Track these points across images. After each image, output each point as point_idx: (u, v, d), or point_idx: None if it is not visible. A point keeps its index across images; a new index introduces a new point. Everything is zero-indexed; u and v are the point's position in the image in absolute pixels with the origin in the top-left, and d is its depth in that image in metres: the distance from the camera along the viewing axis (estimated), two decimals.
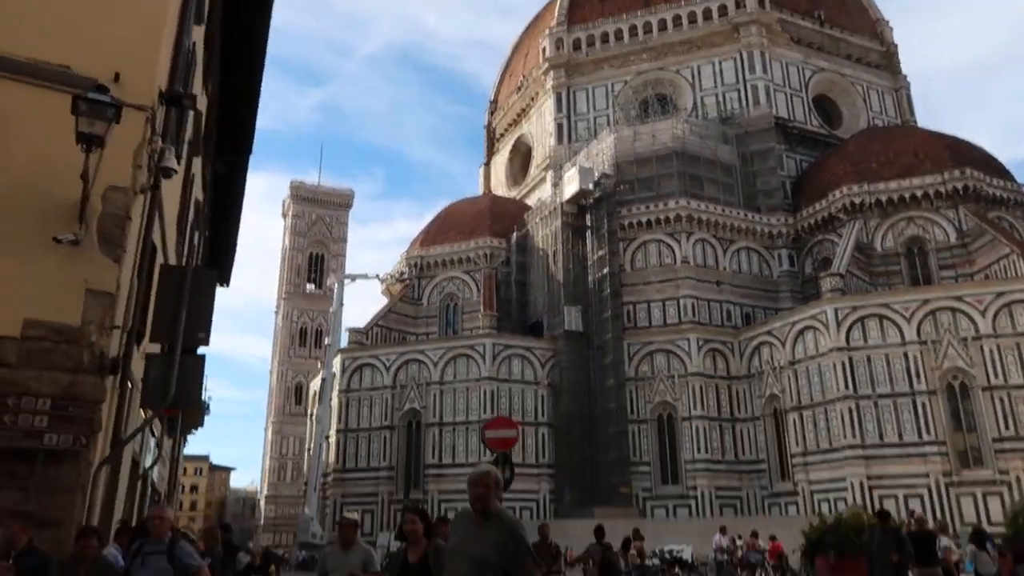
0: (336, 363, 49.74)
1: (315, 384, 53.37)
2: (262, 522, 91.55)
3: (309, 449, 53.46)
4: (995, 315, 34.82)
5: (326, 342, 50.44)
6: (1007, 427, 33.13)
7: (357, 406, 47.81)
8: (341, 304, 52.95)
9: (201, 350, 9.34)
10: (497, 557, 4.31)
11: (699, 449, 41.94)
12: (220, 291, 17.10)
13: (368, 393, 47.79)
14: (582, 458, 44.11)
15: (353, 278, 56.41)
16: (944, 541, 11.13)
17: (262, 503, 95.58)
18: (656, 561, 16.73)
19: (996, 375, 34.11)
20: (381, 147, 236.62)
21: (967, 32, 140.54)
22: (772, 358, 41.75)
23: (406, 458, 45.84)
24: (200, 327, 8.32)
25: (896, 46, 63.32)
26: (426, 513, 5.95)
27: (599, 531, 12.03)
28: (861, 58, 61.11)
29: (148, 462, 12.56)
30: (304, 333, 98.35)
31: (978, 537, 10.58)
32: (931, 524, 11.35)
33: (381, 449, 46.16)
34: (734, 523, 28.01)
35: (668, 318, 46.07)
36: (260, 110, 13.81)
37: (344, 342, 51.24)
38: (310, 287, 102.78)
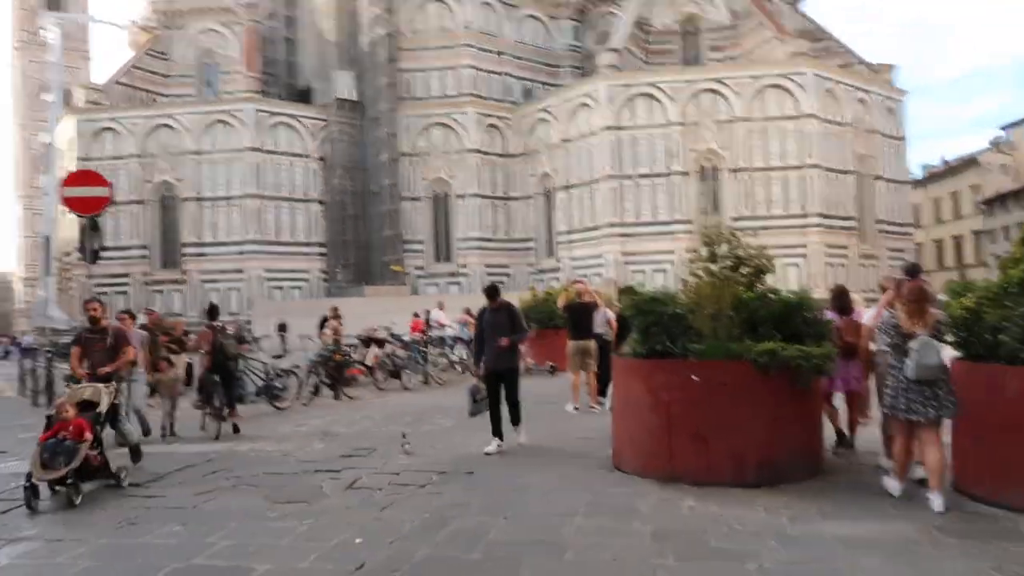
0: (70, 126, 43.16)
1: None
2: (23, 307, 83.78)
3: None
4: (751, 99, 36.25)
5: (47, 98, 43.00)
6: (746, 207, 35.90)
7: None
8: (60, 52, 44.66)
9: None
10: None
11: (472, 227, 42.14)
12: None
13: (112, 163, 41.92)
14: (355, 236, 42.96)
15: (64, 26, 47.22)
16: (606, 313, 11.30)
17: (18, 287, 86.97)
18: (355, 342, 16.31)
19: (742, 159, 36.24)
20: None
21: None
22: (548, 135, 41.54)
23: (161, 236, 42.14)
24: None
25: None
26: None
27: (212, 311, 10.89)
28: None
29: None
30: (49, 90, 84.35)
31: None
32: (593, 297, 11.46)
33: (132, 226, 41.89)
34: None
35: (447, 89, 43.81)
36: None
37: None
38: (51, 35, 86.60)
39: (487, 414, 8.22)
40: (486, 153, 42.67)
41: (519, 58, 45.51)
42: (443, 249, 43.04)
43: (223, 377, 10.03)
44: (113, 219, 41.84)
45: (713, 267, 6.74)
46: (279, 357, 15.36)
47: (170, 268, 41.87)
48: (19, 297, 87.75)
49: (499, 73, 44.63)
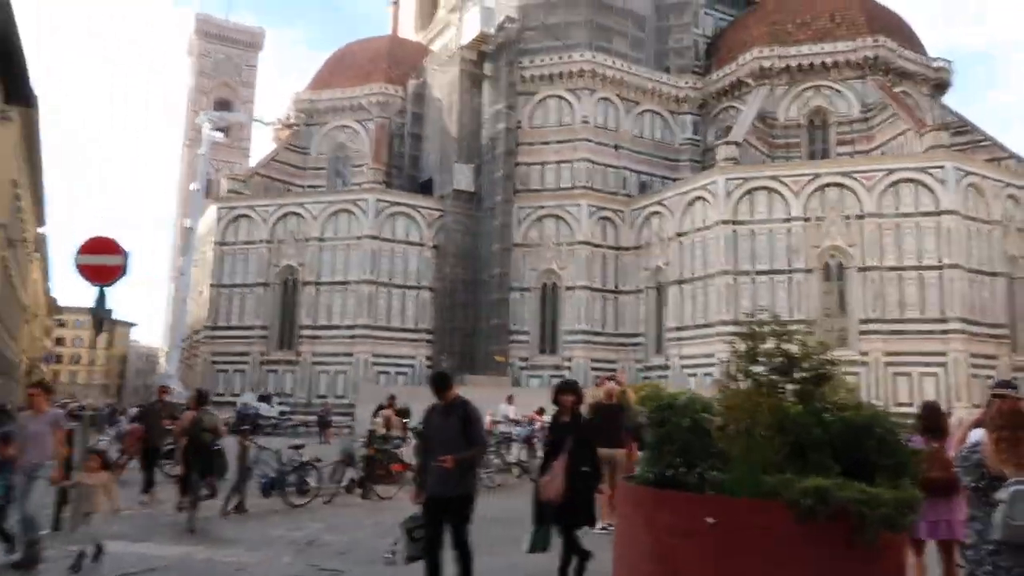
0: (211, 213, 46.43)
1: None
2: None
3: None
4: (881, 193, 33.63)
5: (192, 187, 46.55)
6: (875, 309, 32.74)
7: (232, 261, 44.89)
8: (209, 146, 48.72)
9: None
10: None
11: (580, 320, 40.98)
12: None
13: (244, 247, 44.80)
14: (463, 325, 42.84)
15: (218, 124, 51.72)
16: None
17: (162, 360, 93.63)
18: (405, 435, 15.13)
19: (872, 256, 33.35)
20: None
21: None
22: (662, 229, 40.29)
23: (280, 317, 43.72)
24: None
25: None
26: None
27: (201, 397, 10.17)
28: None
29: None
30: (209, 183, 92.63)
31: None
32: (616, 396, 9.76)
33: (255, 307, 43.82)
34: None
35: (562, 181, 43.76)
36: None
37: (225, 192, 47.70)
38: (216, 134, 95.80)
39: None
40: (597, 245, 41.84)
41: (636, 152, 44.99)
42: (549, 341, 41.99)
43: (201, 456, 9.31)
44: (240, 300, 44.23)
45: (754, 368, 5.19)
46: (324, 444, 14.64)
47: (286, 349, 43.17)
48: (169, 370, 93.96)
49: (615, 166, 44.19)
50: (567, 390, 6.86)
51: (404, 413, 16.01)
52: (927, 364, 30.00)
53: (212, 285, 44.57)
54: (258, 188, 48.87)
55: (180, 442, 9.85)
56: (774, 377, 5.14)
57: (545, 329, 42.15)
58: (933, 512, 5.54)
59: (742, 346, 5.48)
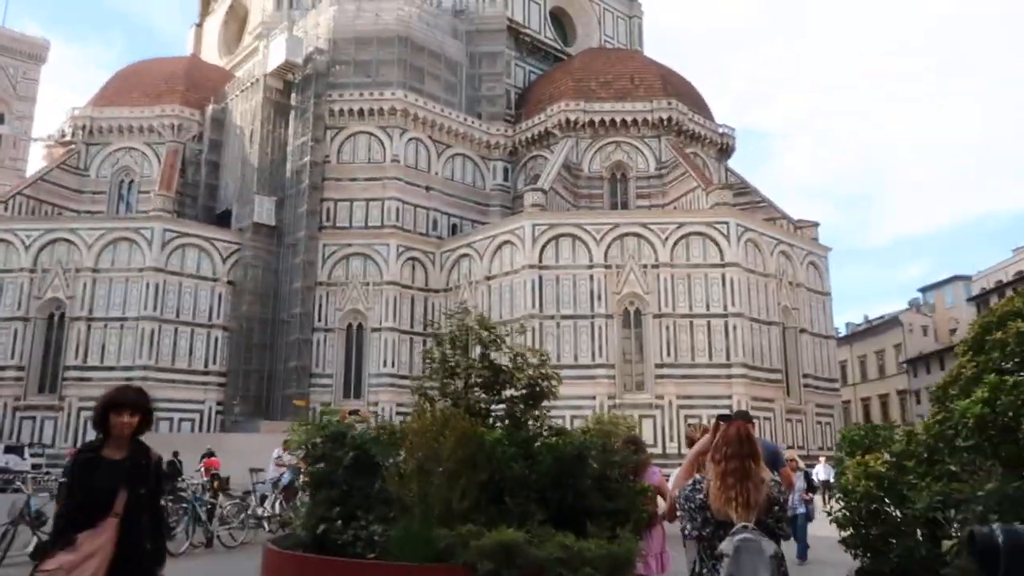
0: None
1: None
2: None
3: None
4: (674, 245, 35.70)
5: None
6: (669, 353, 34.40)
7: None
8: None
9: None
10: None
11: (385, 363, 39.62)
12: None
13: (0, 275, 39.15)
14: (259, 367, 39.95)
15: None
16: None
17: None
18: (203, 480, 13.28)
19: (666, 303, 35.16)
20: (124, 10, 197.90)
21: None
22: (471, 272, 40.17)
23: (43, 357, 38.42)
24: None
25: None
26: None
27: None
28: None
29: None
30: None
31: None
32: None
33: (10, 344, 38.19)
34: None
35: (371, 220, 42.52)
36: None
37: None
38: None
39: None
40: (406, 286, 40.90)
41: (447, 194, 44.87)
42: (354, 384, 40.16)
43: None
44: None
45: (453, 384, 4.14)
46: None
47: (48, 393, 37.91)
48: None
49: (425, 207, 43.74)
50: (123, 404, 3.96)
51: (172, 465, 13.94)
52: (715, 407, 31.69)
53: None
54: (24, 211, 43.17)
55: None
56: (477, 394, 4.22)
57: (350, 372, 40.29)
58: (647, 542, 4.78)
59: (436, 354, 4.54)
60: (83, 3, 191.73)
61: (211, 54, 59.79)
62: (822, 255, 41.06)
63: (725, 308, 34.61)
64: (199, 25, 63.90)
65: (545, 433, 3.96)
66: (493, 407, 4.12)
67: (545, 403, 5.00)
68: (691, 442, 5.70)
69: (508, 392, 4.12)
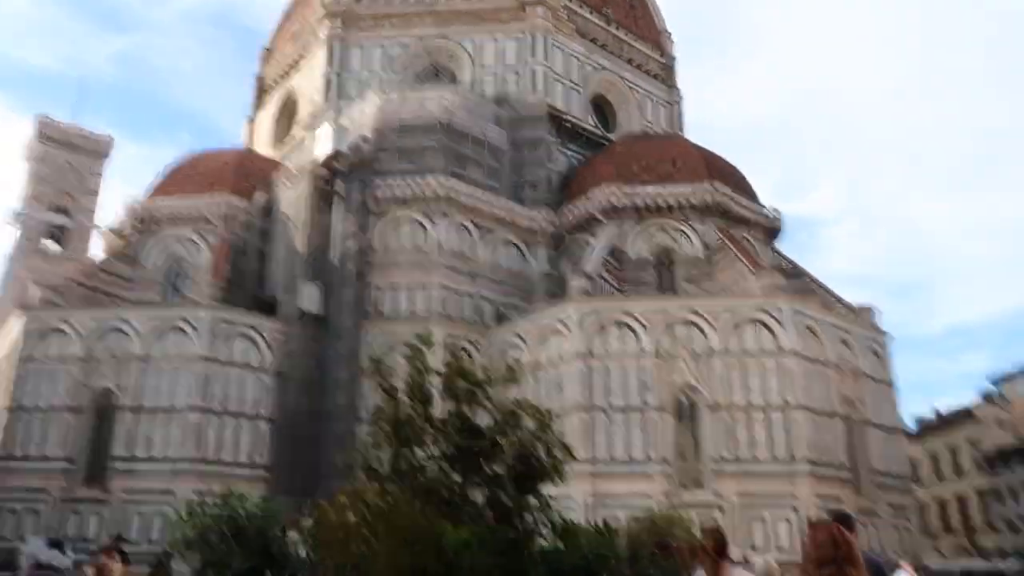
0: (16, 325, 41.01)
1: None
2: None
3: None
4: (725, 332, 34.76)
5: None
6: (727, 448, 33.07)
7: (37, 379, 39.32)
8: (22, 251, 43.62)
9: None
10: None
11: None
12: None
13: (54, 364, 39.53)
14: (304, 460, 39.35)
15: (31, 223, 46.76)
16: None
17: None
18: None
19: (721, 394, 34.01)
20: (190, 109, 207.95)
21: (757, 89, 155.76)
22: (517, 360, 39.49)
23: (90, 447, 38.39)
24: None
25: (675, 59, 64.40)
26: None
27: None
28: (642, 65, 61.32)
29: None
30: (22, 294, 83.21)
31: None
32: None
33: (61, 435, 38.28)
34: None
35: (416, 308, 42.38)
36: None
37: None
38: (50, 244, 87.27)
39: None
40: None
41: (493, 280, 44.69)
42: None
43: None
44: (41, 425, 38.62)
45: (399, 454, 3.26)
46: None
47: (94, 485, 37.71)
48: None
49: (471, 294, 43.55)
50: None
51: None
52: (779, 506, 30.25)
53: (9, 408, 38.72)
54: (79, 300, 44.00)
55: None
56: (443, 470, 3.29)
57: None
58: None
59: (387, 411, 3.63)
60: (151, 102, 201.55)
61: (263, 146, 61.71)
62: (883, 341, 39.61)
63: (784, 399, 33.30)
64: (252, 119, 66.29)
65: (544, 532, 3.10)
66: (469, 489, 3.31)
67: (553, 489, 4.09)
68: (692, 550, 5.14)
69: (496, 466, 3.29)
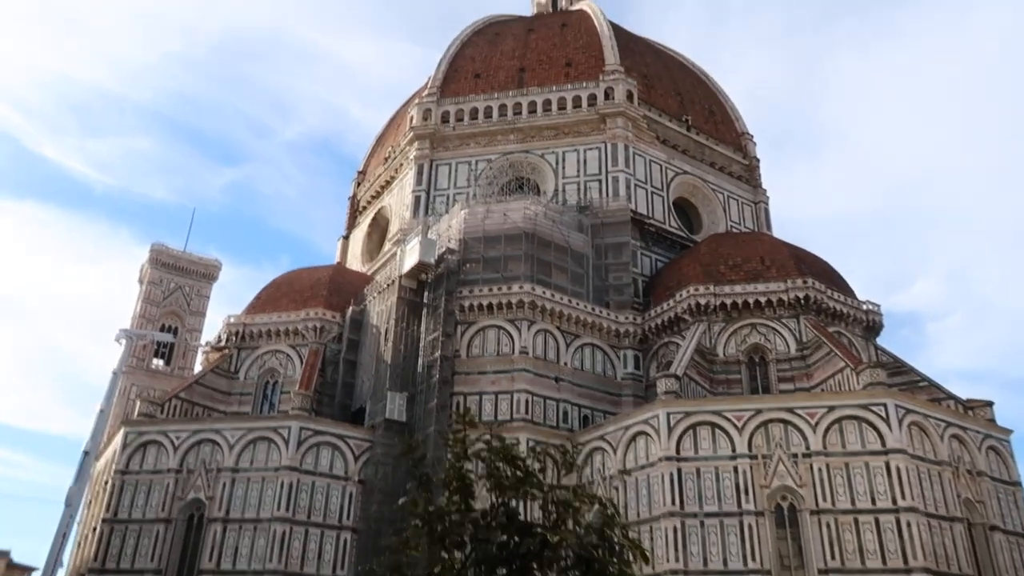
0: (117, 438, 42.72)
1: None
2: None
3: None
4: (826, 431, 32.40)
5: (96, 408, 43.13)
6: (832, 556, 30.08)
7: (133, 492, 40.46)
8: (122, 367, 45.92)
9: None
10: None
11: None
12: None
13: (149, 477, 40.71)
14: (387, 570, 38.26)
15: (139, 341, 49.45)
16: None
17: None
18: None
19: (824, 497, 31.31)
20: (291, 232, 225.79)
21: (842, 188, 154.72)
22: (604, 466, 37.98)
23: (180, 559, 38.68)
24: None
25: (758, 160, 64.29)
26: None
27: None
28: (724, 167, 61.43)
29: None
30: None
31: None
32: None
33: (153, 546, 38.83)
34: None
35: (500, 413, 41.78)
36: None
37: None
38: (158, 363, 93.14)
39: None
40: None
41: (577, 385, 43.82)
42: None
43: None
44: (135, 537, 39.32)
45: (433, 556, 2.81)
46: None
47: None
48: None
49: (555, 399, 42.72)
50: None
51: None
52: None
53: (104, 520, 39.76)
54: (178, 413, 45.70)
55: None
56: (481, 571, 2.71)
57: None
58: None
59: (420, 505, 2.92)
60: (256, 227, 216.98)
61: (355, 262, 64.38)
62: (1004, 438, 36.02)
63: (894, 502, 30.28)
64: (345, 238, 69.71)
65: None
66: None
67: None
68: None
69: (544, 573, 2.68)
